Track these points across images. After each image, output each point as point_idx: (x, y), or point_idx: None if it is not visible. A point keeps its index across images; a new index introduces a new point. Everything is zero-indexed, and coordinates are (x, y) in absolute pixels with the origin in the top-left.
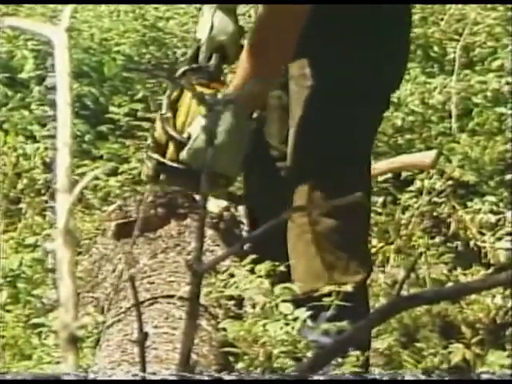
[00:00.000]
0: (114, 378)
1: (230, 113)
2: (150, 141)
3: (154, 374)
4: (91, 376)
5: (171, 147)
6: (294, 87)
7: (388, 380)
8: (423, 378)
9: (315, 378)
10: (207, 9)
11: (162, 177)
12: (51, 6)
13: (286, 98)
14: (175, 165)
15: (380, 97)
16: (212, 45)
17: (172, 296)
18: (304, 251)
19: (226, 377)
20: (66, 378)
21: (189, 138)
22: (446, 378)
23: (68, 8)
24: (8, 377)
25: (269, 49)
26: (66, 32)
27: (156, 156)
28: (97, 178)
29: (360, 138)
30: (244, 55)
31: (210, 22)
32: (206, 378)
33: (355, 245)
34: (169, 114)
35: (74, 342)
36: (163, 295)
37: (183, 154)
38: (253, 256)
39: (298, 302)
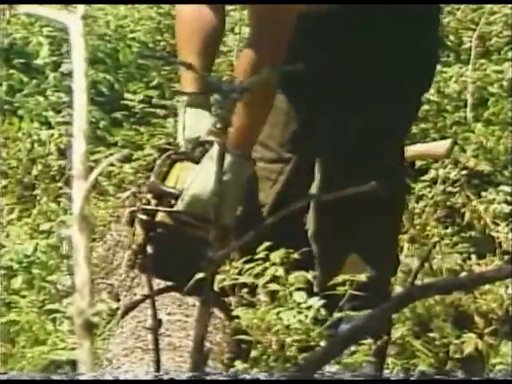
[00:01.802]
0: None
1: None
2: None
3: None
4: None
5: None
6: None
7: (392, 379)
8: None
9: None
10: (181, 112)
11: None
12: None
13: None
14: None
15: (410, 98)
16: (190, 144)
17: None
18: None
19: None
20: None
21: (182, 190)
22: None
23: None
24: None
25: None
26: (81, 19)
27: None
28: (111, 165)
29: (392, 138)
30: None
31: (182, 123)
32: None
33: (384, 244)
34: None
35: (89, 328)
36: (175, 286)
37: (179, 204)
38: (267, 243)
39: (311, 291)
